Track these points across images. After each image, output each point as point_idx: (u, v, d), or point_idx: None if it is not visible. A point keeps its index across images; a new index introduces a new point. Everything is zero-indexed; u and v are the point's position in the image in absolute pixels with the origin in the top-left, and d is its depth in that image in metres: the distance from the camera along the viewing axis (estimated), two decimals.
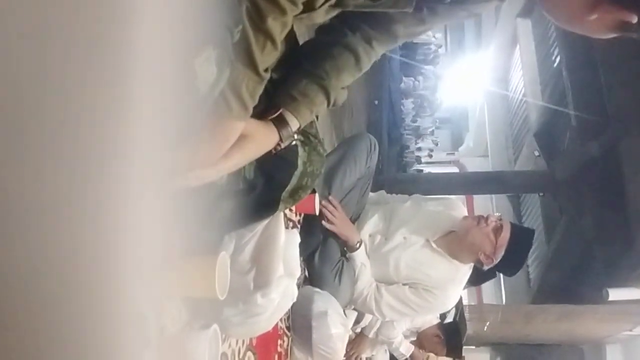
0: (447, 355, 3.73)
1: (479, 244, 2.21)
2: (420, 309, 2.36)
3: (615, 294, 4.46)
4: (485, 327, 6.22)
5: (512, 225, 2.30)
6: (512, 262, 2.32)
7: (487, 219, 2.26)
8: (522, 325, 6.06)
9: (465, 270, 2.33)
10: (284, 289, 1.12)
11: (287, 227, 1.92)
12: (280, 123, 0.97)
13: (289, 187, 1.10)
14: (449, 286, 2.29)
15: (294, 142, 1.08)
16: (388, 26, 1.09)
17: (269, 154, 1.03)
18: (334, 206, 2.18)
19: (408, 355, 3.89)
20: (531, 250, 2.50)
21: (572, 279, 6.01)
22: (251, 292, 1.08)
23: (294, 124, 0.99)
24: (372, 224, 2.37)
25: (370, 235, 2.33)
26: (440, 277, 2.27)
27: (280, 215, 1.15)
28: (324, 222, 2.17)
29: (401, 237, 2.29)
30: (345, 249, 2.25)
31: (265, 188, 1.09)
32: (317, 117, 1.15)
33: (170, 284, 1.01)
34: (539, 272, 7.68)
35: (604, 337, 6.38)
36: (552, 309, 5.23)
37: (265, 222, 1.14)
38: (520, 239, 2.31)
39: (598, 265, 5.33)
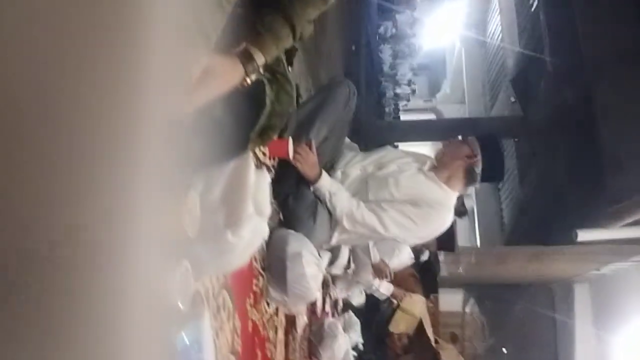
0: (424, 292, 3.87)
1: (457, 151, 2.38)
2: (423, 223, 2.39)
3: (584, 235, 4.60)
4: (460, 269, 6.41)
5: (477, 137, 2.47)
6: (493, 164, 2.45)
7: (448, 139, 2.53)
8: (494, 266, 6.25)
9: (454, 198, 2.44)
10: (254, 226, 1.15)
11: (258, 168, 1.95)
12: (245, 58, 0.97)
13: (257, 127, 1.11)
14: (444, 208, 2.39)
15: (261, 80, 1.09)
16: None
17: (236, 91, 1.04)
18: (302, 150, 2.20)
19: (389, 294, 4.02)
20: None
21: (544, 221, 6.17)
22: (221, 230, 1.10)
23: (260, 58, 0.99)
24: (360, 158, 2.43)
25: (360, 169, 2.39)
26: (437, 199, 2.37)
27: (249, 155, 1.16)
28: (304, 170, 2.20)
29: (395, 166, 2.38)
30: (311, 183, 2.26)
31: (233, 127, 1.10)
32: (287, 59, 1.15)
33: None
34: (512, 215, 7.87)
35: (572, 276, 6.62)
36: (523, 250, 5.40)
37: (234, 161, 1.15)
38: (485, 139, 2.48)
39: (569, 207, 5.48)
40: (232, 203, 1.12)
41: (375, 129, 7.21)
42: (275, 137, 1.69)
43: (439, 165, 2.40)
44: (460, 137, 2.47)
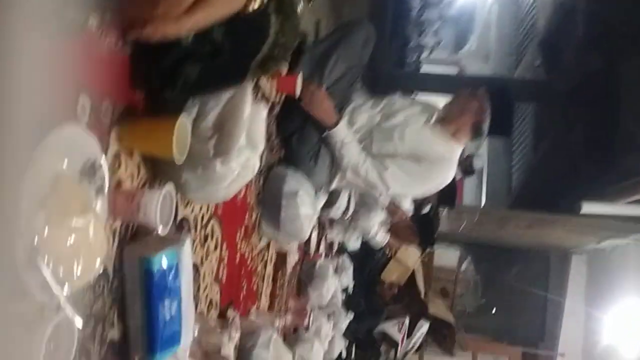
0: (420, 244, 3.90)
1: (465, 105, 2.34)
2: (424, 180, 2.41)
3: (588, 207, 4.56)
4: (461, 227, 6.42)
5: (486, 91, 2.43)
6: (502, 118, 2.44)
7: (458, 91, 2.46)
8: (496, 228, 6.26)
9: (458, 152, 2.43)
10: (244, 160, 1.13)
11: (266, 107, 1.92)
12: None
13: (259, 56, 1.08)
14: (448, 162, 2.39)
15: (266, 9, 1.04)
16: None
17: (239, 18, 1.00)
18: (312, 90, 2.15)
19: (384, 244, 4.05)
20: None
21: (551, 189, 6.11)
22: (211, 159, 1.09)
23: None
24: (367, 107, 2.38)
25: (369, 117, 2.35)
26: (441, 152, 2.35)
27: (247, 86, 1.13)
28: (314, 112, 2.17)
29: (402, 117, 2.34)
30: (323, 131, 2.23)
31: (233, 54, 1.06)
32: None
33: (131, 139, 1.02)
34: (521, 179, 7.81)
35: (571, 247, 6.63)
36: (526, 215, 5.38)
37: (231, 91, 1.12)
38: (496, 93, 2.48)
39: (577, 178, 5.42)
40: (224, 133, 1.10)
41: (393, 77, 7.07)
42: (277, 69, 1.65)
43: (447, 118, 2.35)
44: (470, 90, 2.41)
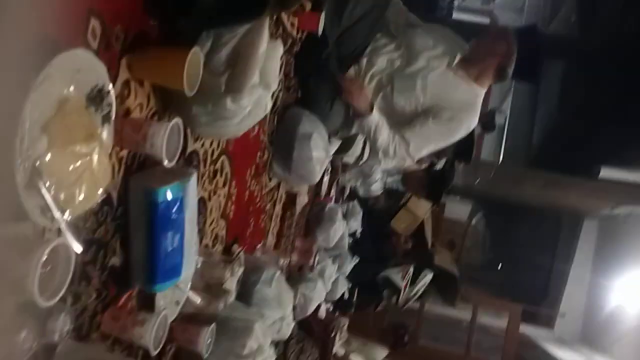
0: (427, 198, 3.89)
1: (492, 47, 2.26)
2: (447, 138, 2.41)
3: (606, 172, 4.51)
4: (476, 182, 6.39)
5: (514, 28, 2.39)
6: (529, 63, 2.38)
7: (487, 30, 2.37)
8: (510, 186, 6.21)
9: (481, 96, 2.38)
10: (256, 98, 1.11)
11: (285, 44, 1.87)
12: None
13: None
14: (471, 108, 2.34)
15: None
16: None
17: None
18: (351, 81, 2.19)
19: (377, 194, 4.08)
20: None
21: (571, 151, 6.03)
22: (222, 94, 1.07)
23: None
24: (389, 49, 2.31)
25: (388, 61, 2.29)
26: (464, 99, 2.30)
27: (264, 22, 1.09)
28: (358, 106, 2.20)
29: (424, 61, 2.27)
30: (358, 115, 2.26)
31: None
32: None
33: (141, 67, 1.00)
34: (542, 138, 7.69)
35: (584, 210, 6.58)
36: (542, 175, 5.33)
37: (247, 25, 1.09)
38: (527, 34, 2.37)
39: (599, 142, 5.32)
40: (237, 69, 1.07)
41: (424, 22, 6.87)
42: (297, 6, 1.60)
43: (471, 59, 2.27)
44: (498, 30, 2.33)
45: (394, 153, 2.35)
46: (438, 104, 2.27)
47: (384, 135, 2.29)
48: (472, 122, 2.38)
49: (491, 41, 2.27)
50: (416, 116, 2.29)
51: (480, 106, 2.40)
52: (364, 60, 2.28)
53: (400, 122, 2.32)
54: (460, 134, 2.42)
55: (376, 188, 4.02)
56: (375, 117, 2.25)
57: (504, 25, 2.32)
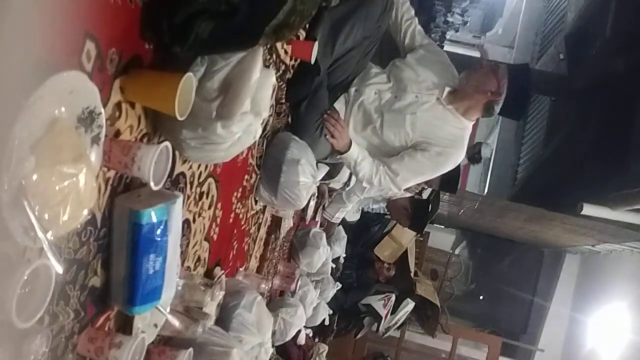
0: (410, 228, 3.90)
1: (482, 83, 2.27)
2: (434, 172, 2.44)
3: (589, 209, 4.54)
4: (460, 212, 6.42)
5: (507, 64, 2.37)
6: (516, 101, 2.39)
7: (480, 63, 2.35)
8: (494, 217, 6.24)
9: (469, 130, 2.40)
10: (246, 125, 1.12)
11: (277, 71, 1.89)
12: None
13: (274, 22, 1.05)
14: (459, 143, 2.37)
15: None
16: None
17: None
18: (335, 119, 2.21)
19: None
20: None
21: (555, 187, 6.09)
22: (212, 120, 1.07)
23: None
24: (379, 80, 2.34)
25: (376, 92, 2.31)
26: (452, 134, 2.33)
27: (258, 51, 1.11)
28: (327, 137, 2.21)
29: (413, 96, 2.29)
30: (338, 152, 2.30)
31: (248, 17, 1.03)
32: None
33: (134, 90, 1.00)
34: (527, 173, 7.76)
35: (566, 246, 6.63)
36: (526, 209, 5.35)
37: (242, 53, 1.10)
38: (517, 73, 2.36)
39: (583, 179, 5.38)
40: (229, 96, 1.08)
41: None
42: (291, 37, 1.62)
43: (460, 93, 2.29)
44: (491, 65, 2.33)
45: (379, 183, 2.39)
46: (426, 139, 2.30)
47: (365, 169, 2.33)
48: (459, 156, 2.40)
49: (482, 76, 2.29)
50: (405, 149, 2.32)
51: (467, 140, 2.43)
52: (352, 90, 2.31)
53: (389, 153, 2.35)
54: (448, 167, 2.45)
55: (351, 216, 4.04)
56: (354, 154, 2.29)
57: (497, 62, 2.34)
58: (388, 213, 4.24)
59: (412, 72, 2.33)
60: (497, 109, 2.31)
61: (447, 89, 2.29)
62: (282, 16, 1.05)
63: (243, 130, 1.12)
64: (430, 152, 2.30)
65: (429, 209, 3.52)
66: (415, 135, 2.28)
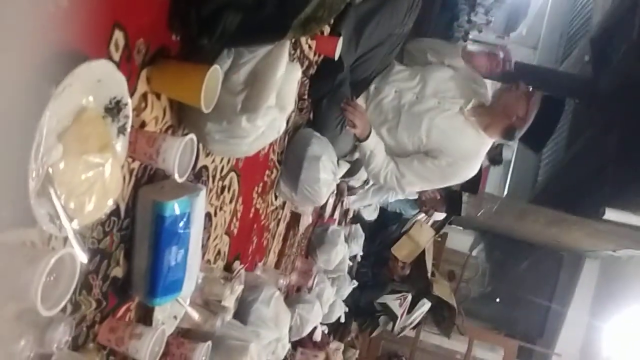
0: (447, 212, 3.89)
1: (512, 105, 2.22)
2: (441, 182, 2.42)
3: (611, 213, 4.49)
4: (479, 214, 6.36)
5: (543, 95, 2.32)
6: (541, 130, 2.35)
7: (517, 84, 2.27)
8: (513, 220, 6.18)
9: (488, 144, 2.35)
10: (271, 119, 1.11)
11: (301, 66, 1.88)
12: None
13: (302, 15, 1.03)
14: (474, 158, 2.33)
15: None
16: None
17: None
18: (353, 107, 2.17)
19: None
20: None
21: (576, 190, 6.01)
22: (237, 113, 1.07)
23: None
24: (401, 78, 2.31)
25: (396, 91, 2.29)
26: (468, 148, 2.29)
27: (285, 44, 1.10)
28: (347, 127, 2.18)
29: (435, 101, 2.25)
30: (356, 139, 2.27)
31: (276, 10, 1.02)
32: None
33: (160, 81, 1.00)
34: (548, 176, 7.68)
35: (586, 250, 6.54)
36: (546, 212, 5.30)
37: (268, 46, 1.09)
38: (550, 106, 2.34)
39: (605, 183, 5.31)
40: (255, 89, 1.08)
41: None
42: (318, 31, 1.61)
43: (487, 108, 2.25)
44: (527, 89, 2.25)
45: (384, 180, 2.36)
46: (440, 147, 2.26)
47: (378, 161, 2.30)
48: (470, 171, 2.36)
49: (514, 99, 2.23)
50: (417, 152, 2.29)
51: (483, 156, 2.38)
52: (372, 87, 2.29)
53: (401, 155, 2.32)
54: (456, 180, 2.43)
55: (369, 214, 4.04)
56: (371, 144, 2.26)
57: (535, 89, 2.26)
58: (420, 206, 4.23)
59: (440, 81, 2.29)
60: (518, 135, 2.28)
61: (473, 101, 2.26)
62: (310, 10, 1.04)
63: (267, 125, 1.11)
64: (441, 162, 2.27)
65: (460, 195, 3.51)
66: (430, 141, 2.25)
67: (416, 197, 4.10)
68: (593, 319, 6.80)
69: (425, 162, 2.28)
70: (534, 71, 7.56)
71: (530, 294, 7.64)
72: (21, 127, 0.68)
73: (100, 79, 0.81)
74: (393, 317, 4.52)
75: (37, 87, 0.70)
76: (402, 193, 2.61)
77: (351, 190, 3.35)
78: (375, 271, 4.64)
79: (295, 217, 2.49)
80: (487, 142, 2.32)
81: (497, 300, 8.41)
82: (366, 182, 3.23)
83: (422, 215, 4.45)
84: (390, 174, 2.33)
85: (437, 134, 2.23)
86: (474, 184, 3.40)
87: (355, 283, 3.53)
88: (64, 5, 0.73)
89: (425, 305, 4.62)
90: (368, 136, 2.23)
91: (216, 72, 1.00)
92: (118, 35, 0.87)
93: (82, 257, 0.78)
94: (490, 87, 2.45)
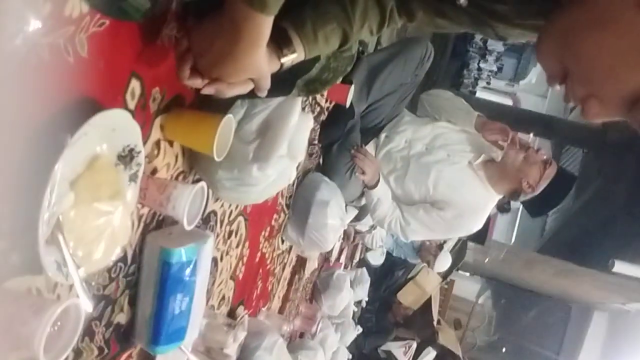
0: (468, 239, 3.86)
1: (526, 170, 2.20)
2: (445, 233, 2.43)
3: (620, 266, 4.43)
4: (486, 261, 6.31)
5: (559, 166, 2.29)
6: (544, 202, 2.33)
7: (537, 150, 2.24)
8: (521, 269, 6.12)
9: (495, 200, 2.34)
10: (282, 168, 1.11)
11: (312, 113, 1.90)
12: (285, 49, 0.89)
13: (306, 76, 1.04)
14: (479, 212, 2.31)
15: None
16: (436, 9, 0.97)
17: None
18: (363, 154, 2.19)
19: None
20: None
21: (585, 240, 5.97)
22: (249, 162, 1.07)
23: (299, 58, 0.92)
24: (411, 129, 2.32)
25: (406, 141, 2.30)
26: (474, 202, 2.28)
27: (298, 97, 1.11)
28: (357, 174, 2.19)
29: (445, 153, 2.26)
30: (365, 186, 2.28)
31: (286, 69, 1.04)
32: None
33: (174, 129, 1.01)
34: (556, 225, 7.64)
35: (595, 302, 6.44)
36: (554, 262, 5.25)
37: (281, 98, 1.10)
38: (563, 180, 2.30)
39: (614, 235, 5.26)
40: (267, 138, 1.08)
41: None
42: (324, 91, 1.63)
43: (499, 166, 2.23)
44: (544, 157, 2.23)
45: (388, 227, 2.38)
46: (446, 199, 2.26)
47: (384, 208, 2.31)
48: (475, 226, 2.35)
49: (529, 165, 2.20)
50: (423, 202, 2.29)
51: (489, 212, 2.36)
52: (383, 135, 2.31)
53: (408, 203, 2.33)
54: (460, 233, 2.43)
55: (375, 259, 4.01)
56: (379, 192, 2.27)
57: (551, 160, 2.23)
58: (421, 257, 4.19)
59: (453, 132, 2.31)
60: (521, 199, 2.29)
61: (483, 156, 2.26)
62: (315, 72, 1.05)
63: (278, 174, 1.11)
64: (447, 214, 2.26)
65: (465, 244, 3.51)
66: (437, 192, 2.25)
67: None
68: None
69: (431, 212, 2.28)
70: (543, 120, 7.60)
71: (538, 345, 7.50)
72: (35, 175, 0.69)
73: (115, 127, 0.82)
74: None
75: (53, 135, 0.71)
76: (405, 240, 2.60)
77: (358, 234, 3.34)
78: (380, 316, 4.58)
79: (301, 261, 2.47)
80: (494, 197, 2.31)
81: (504, 349, 8.26)
82: (373, 227, 3.22)
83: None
84: (395, 221, 2.33)
85: (444, 186, 2.23)
86: (480, 234, 3.38)
87: (359, 329, 3.48)
88: (82, 56, 0.75)
89: (430, 354, 4.54)
90: (376, 184, 2.23)
91: (229, 122, 1.00)
92: (135, 84, 0.89)
93: (88, 307, 0.77)
94: None
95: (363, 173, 2.19)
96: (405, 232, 2.35)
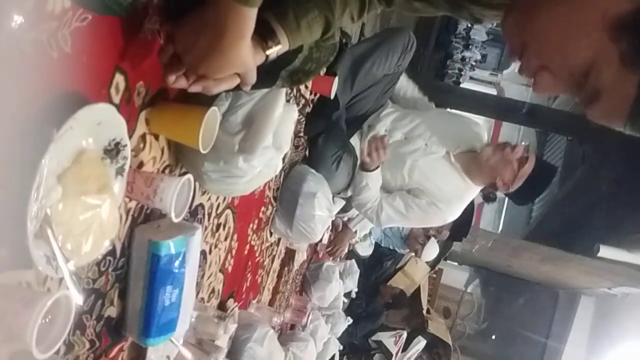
0: (451, 238, 3.89)
1: (500, 169, 2.21)
2: (418, 222, 2.44)
3: (606, 251, 4.50)
4: (474, 250, 6.37)
5: (538, 159, 2.31)
6: (527, 193, 2.36)
7: (514, 147, 2.25)
8: (508, 257, 6.18)
9: (474, 191, 2.36)
10: (268, 159, 1.12)
11: (297, 105, 1.91)
12: (270, 41, 0.90)
13: (290, 67, 1.05)
14: (455, 202, 2.33)
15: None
16: None
17: None
18: (382, 146, 2.21)
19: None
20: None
21: (571, 227, 6.03)
22: (234, 154, 1.08)
23: (284, 49, 0.93)
24: (392, 119, 2.35)
25: (386, 130, 2.32)
26: (450, 192, 2.30)
27: (282, 89, 1.12)
28: (366, 154, 2.22)
29: (422, 143, 2.28)
30: (361, 167, 2.30)
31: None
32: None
33: (159, 122, 1.01)
34: (542, 212, 7.71)
35: (582, 287, 6.54)
36: (541, 249, 5.31)
37: (265, 90, 1.11)
38: (542, 173, 2.33)
39: (600, 220, 5.33)
40: (252, 130, 1.09)
41: (431, 88, 6.99)
42: (308, 81, 1.64)
43: (475, 160, 2.26)
44: (520, 155, 2.22)
45: (365, 213, 2.40)
46: (421, 188, 2.29)
47: (369, 195, 2.32)
48: (450, 215, 2.37)
49: (504, 163, 2.21)
50: (400, 190, 2.32)
51: (466, 203, 2.38)
52: (366, 125, 2.33)
53: (386, 190, 2.36)
54: (434, 222, 2.46)
55: (364, 250, 4.03)
56: (372, 178, 2.28)
57: (527, 158, 2.23)
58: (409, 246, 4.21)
59: (434, 121, 2.33)
60: (495, 197, 2.33)
61: (460, 148, 2.28)
62: (298, 63, 1.06)
63: (264, 165, 1.12)
64: (422, 201, 2.29)
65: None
66: (411, 181, 2.29)
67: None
68: (590, 356, 6.74)
69: (406, 199, 2.31)
70: (527, 109, 7.65)
71: (527, 331, 7.59)
72: (22, 170, 0.69)
73: (101, 121, 0.82)
74: (388, 355, 4.48)
75: (39, 130, 0.72)
76: (379, 227, 2.64)
77: (346, 225, 3.36)
78: (370, 300, 4.61)
79: (290, 254, 2.49)
80: (473, 188, 2.34)
81: (493, 337, 8.35)
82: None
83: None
84: (373, 208, 2.36)
85: (419, 174, 2.27)
86: (461, 230, 3.40)
87: (350, 320, 3.50)
88: (66, 51, 0.75)
89: (420, 343, 4.59)
90: (374, 169, 2.26)
91: (214, 114, 1.01)
92: (119, 79, 0.89)
93: (78, 299, 0.78)
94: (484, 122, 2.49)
95: (370, 156, 2.21)
96: (380, 218, 2.37)
